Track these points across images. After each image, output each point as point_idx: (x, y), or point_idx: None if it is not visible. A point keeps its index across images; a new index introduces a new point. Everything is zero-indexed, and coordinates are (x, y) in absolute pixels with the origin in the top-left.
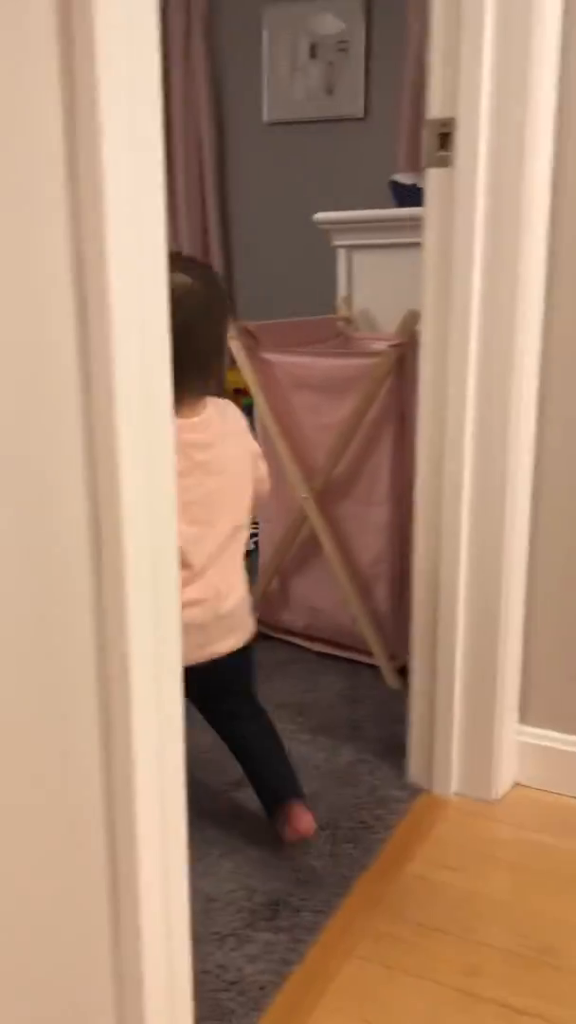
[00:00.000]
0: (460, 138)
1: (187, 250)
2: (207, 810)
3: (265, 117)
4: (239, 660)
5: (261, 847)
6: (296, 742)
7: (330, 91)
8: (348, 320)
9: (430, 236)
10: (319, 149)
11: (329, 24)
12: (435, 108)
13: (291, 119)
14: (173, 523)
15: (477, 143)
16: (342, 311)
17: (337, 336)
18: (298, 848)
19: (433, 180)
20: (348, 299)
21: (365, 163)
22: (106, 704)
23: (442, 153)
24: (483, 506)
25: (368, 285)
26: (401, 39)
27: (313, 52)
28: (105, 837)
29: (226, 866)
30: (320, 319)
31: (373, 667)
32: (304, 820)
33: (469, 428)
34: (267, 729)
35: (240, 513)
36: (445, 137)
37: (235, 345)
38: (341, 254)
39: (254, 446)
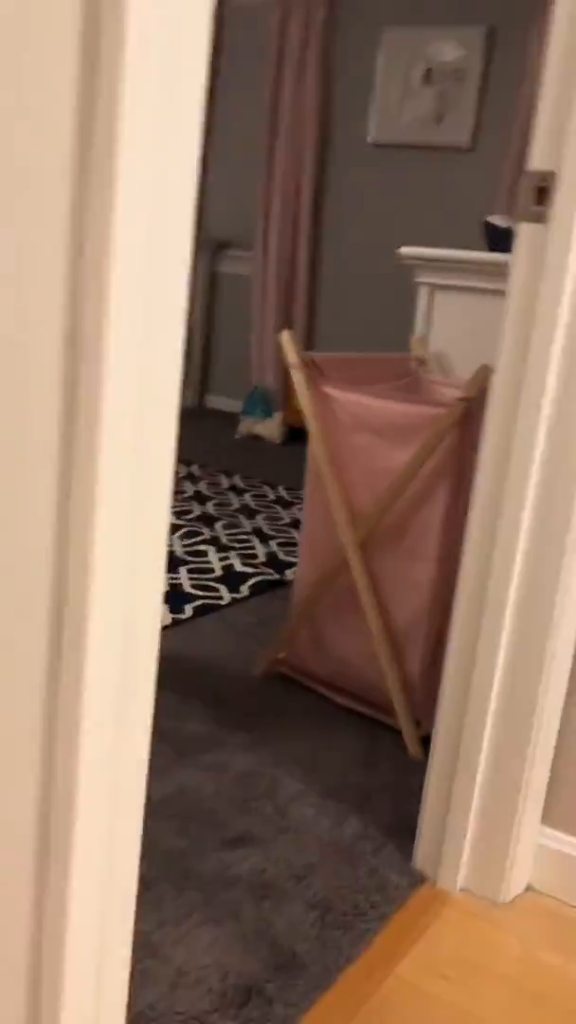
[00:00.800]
0: (560, 196)
1: (274, 257)
2: (194, 870)
3: (371, 138)
4: None
5: (245, 921)
6: (303, 805)
7: (439, 118)
8: (422, 361)
9: (514, 292)
10: (421, 175)
11: (447, 51)
12: (537, 159)
13: (397, 142)
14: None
15: None
16: (416, 351)
17: (408, 376)
18: (285, 925)
19: (525, 234)
20: (424, 339)
21: (466, 194)
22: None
23: (538, 208)
24: (534, 587)
25: (447, 327)
26: (519, 74)
27: (427, 78)
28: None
29: (204, 938)
30: (392, 356)
31: (396, 731)
32: None
33: (529, 501)
34: None
35: None
36: (543, 191)
37: (297, 376)
38: (422, 291)
39: None
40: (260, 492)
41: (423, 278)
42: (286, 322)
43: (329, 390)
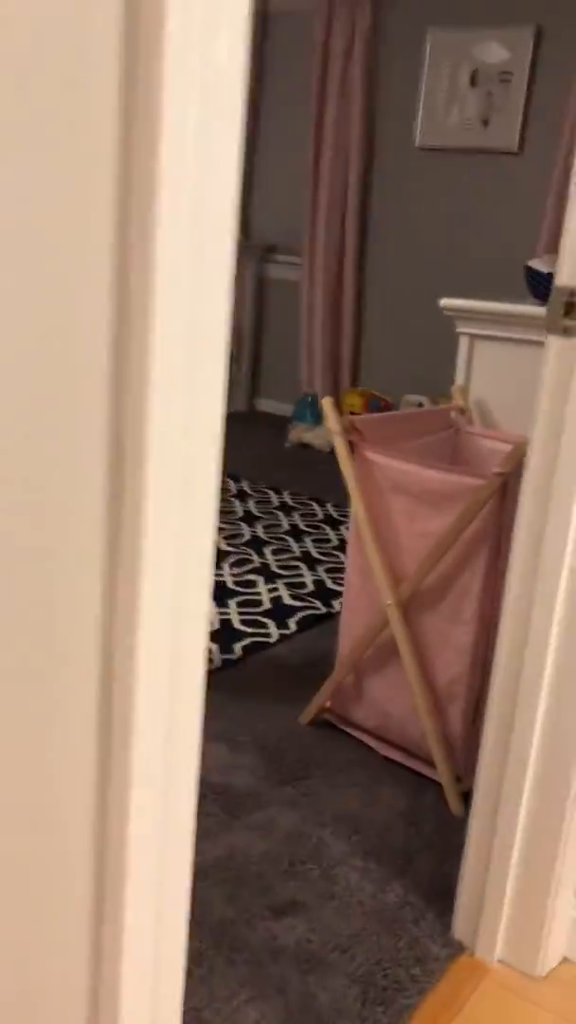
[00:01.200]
0: None
1: (320, 263)
2: (241, 941)
3: (417, 142)
4: None
5: (291, 995)
6: (348, 868)
7: (486, 121)
8: (462, 411)
9: (545, 398)
10: (469, 179)
11: (494, 53)
12: (565, 273)
13: (443, 146)
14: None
15: None
16: (457, 400)
17: (449, 428)
18: (328, 1000)
19: (553, 347)
20: (464, 389)
21: (516, 198)
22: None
23: (567, 322)
24: (568, 661)
25: (487, 376)
26: (567, 74)
27: (473, 80)
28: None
29: (251, 1015)
30: (432, 411)
31: (439, 784)
32: None
33: (564, 579)
34: None
35: None
36: (571, 306)
37: (338, 442)
38: (463, 341)
39: None
40: (309, 510)
41: (463, 328)
42: (333, 329)
43: (370, 454)
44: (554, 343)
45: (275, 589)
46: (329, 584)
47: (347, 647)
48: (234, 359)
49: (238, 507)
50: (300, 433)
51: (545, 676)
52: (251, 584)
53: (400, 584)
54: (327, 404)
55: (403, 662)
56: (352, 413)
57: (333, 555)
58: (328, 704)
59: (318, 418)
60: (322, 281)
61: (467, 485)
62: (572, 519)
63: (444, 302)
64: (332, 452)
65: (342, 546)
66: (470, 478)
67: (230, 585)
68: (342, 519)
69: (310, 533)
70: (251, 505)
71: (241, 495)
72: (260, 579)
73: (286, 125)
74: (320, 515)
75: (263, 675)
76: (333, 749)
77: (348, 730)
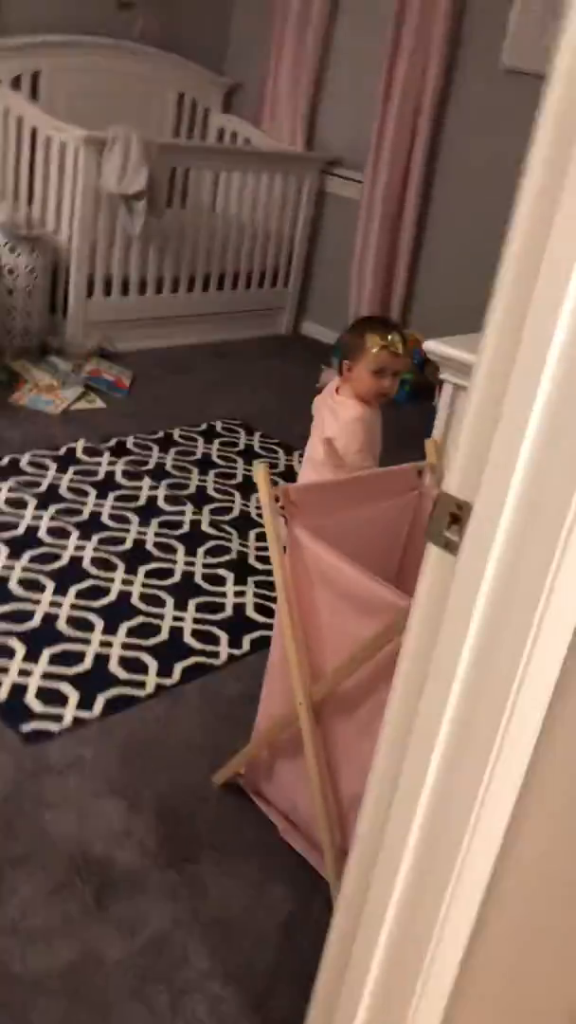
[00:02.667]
0: (471, 528)
1: (382, 183)
2: None
3: (504, 63)
4: None
5: None
6: (200, 996)
7: None
8: (433, 469)
9: (421, 596)
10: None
11: None
12: (453, 482)
13: (533, 71)
14: None
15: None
16: (429, 456)
17: (413, 490)
18: None
19: (432, 555)
20: (439, 445)
21: None
22: None
23: (449, 536)
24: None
25: None
26: None
27: None
28: None
29: None
30: (398, 470)
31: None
32: None
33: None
34: None
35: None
36: (456, 519)
37: (266, 514)
38: (446, 390)
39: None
40: None
41: (447, 375)
42: (388, 260)
43: (299, 534)
44: (433, 551)
45: (242, 593)
46: None
47: (264, 721)
48: (283, 279)
49: (239, 470)
50: (331, 377)
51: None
52: (219, 581)
53: (316, 682)
54: (260, 472)
55: (307, 765)
56: None
57: None
58: (242, 771)
59: None
60: (381, 205)
61: (389, 603)
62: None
63: (427, 346)
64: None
65: None
66: (394, 595)
67: (197, 579)
68: None
69: None
70: (254, 467)
71: (247, 452)
72: (230, 577)
73: (362, 29)
74: None
75: (194, 710)
76: (237, 824)
77: (259, 803)
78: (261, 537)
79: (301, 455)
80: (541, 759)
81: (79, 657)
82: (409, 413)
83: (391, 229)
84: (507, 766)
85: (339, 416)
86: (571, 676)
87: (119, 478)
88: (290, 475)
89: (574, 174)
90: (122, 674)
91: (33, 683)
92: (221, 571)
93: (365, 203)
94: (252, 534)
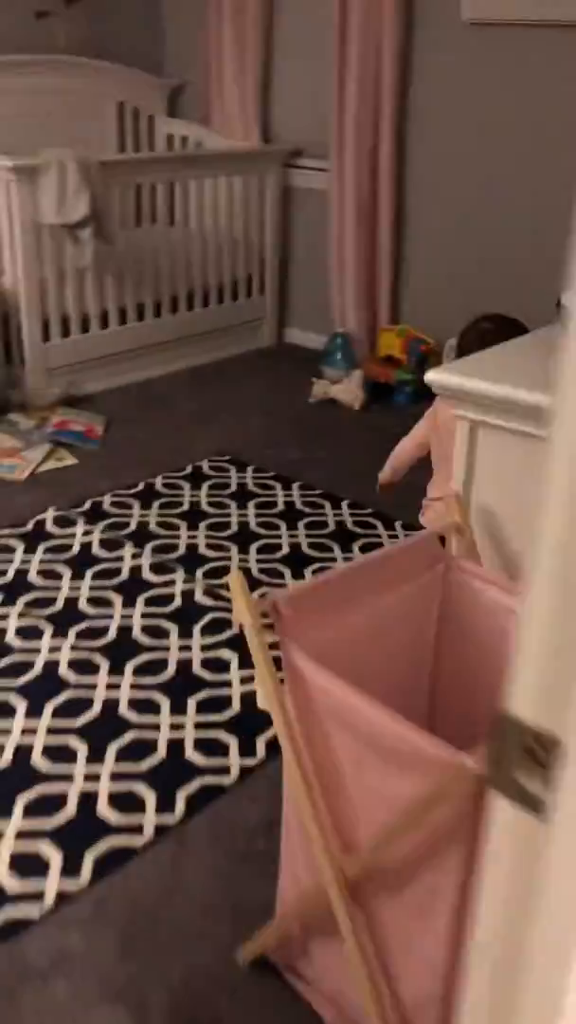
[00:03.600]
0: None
1: (351, 167)
2: None
3: (465, 14)
4: None
5: None
6: None
7: None
8: (460, 531)
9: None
10: (529, 61)
11: None
12: (525, 703)
13: (498, 19)
14: None
15: None
16: (452, 513)
17: (436, 563)
18: None
19: (503, 816)
20: (461, 499)
21: None
22: None
23: (527, 782)
24: None
25: (495, 476)
26: None
27: None
28: None
29: None
30: (411, 543)
31: None
32: None
33: None
34: None
35: None
36: (533, 753)
37: (250, 635)
38: (462, 428)
39: None
40: (318, 516)
41: (462, 409)
42: (368, 251)
43: (298, 658)
44: (502, 806)
45: (250, 679)
46: None
47: (288, 886)
48: (258, 287)
49: (233, 517)
50: (325, 388)
51: None
52: (221, 667)
53: (347, 852)
54: (235, 583)
55: (351, 961)
56: (389, 358)
57: None
58: (272, 946)
59: (352, 362)
60: (354, 189)
61: (429, 758)
62: None
63: (429, 376)
64: (364, 409)
65: None
66: (434, 747)
67: (195, 669)
68: (367, 536)
69: (316, 561)
70: (250, 511)
71: (241, 493)
72: (234, 658)
73: (304, 7)
74: (332, 526)
75: (205, 852)
76: (269, 1018)
77: (297, 985)
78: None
79: (301, 487)
80: None
81: (59, 802)
82: (417, 416)
83: (367, 217)
84: None
85: None
86: None
87: (96, 549)
88: (290, 513)
89: None
90: (113, 817)
91: (4, 849)
92: (223, 652)
93: (335, 191)
94: (255, 595)
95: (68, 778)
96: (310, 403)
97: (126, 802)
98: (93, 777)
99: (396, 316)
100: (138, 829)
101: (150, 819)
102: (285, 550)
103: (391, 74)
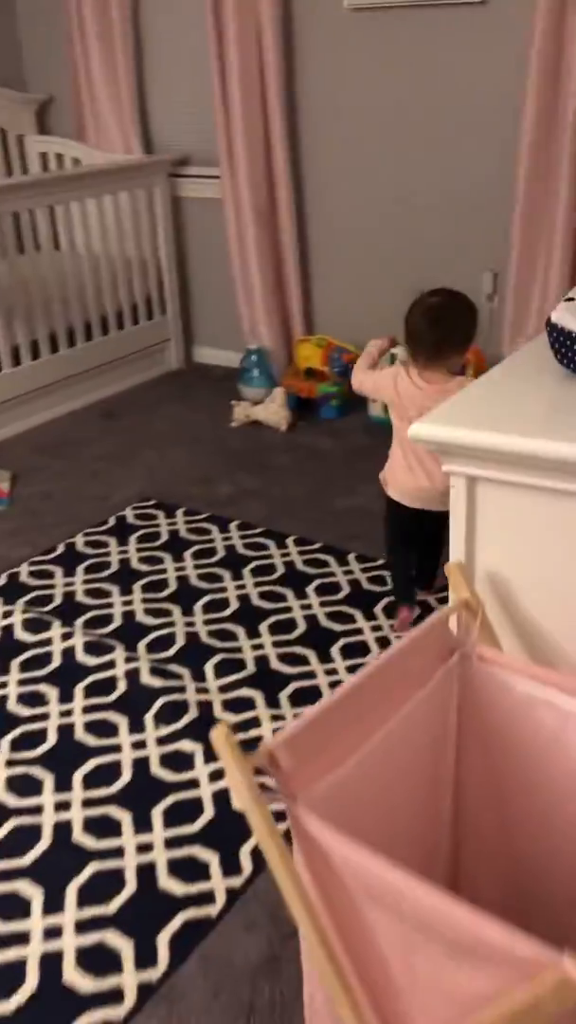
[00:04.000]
0: None
1: (244, 170)
2: None
3: (345, 3)
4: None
5: None
6: None
7: None
8: (470, 608)
9: None
10: (418, 43)
11: None
12: None
13: (382, 3)
14: None
15: None
16: (459, 591)
17: (449, 654)
18: None
19: None
20: (466, 566)
21: (483, 66)
22: None
23: None
24: None
25: (502, 536)
26: None
27: None
28: None
29: None
30: (420, 634)
31: None
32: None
33: None
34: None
35: None
36: None
37: (248, 794)
38: (458, 485)
39: None
40: (265, 559)
41: (453, 464)
42: (272, 258)
43: (307, 819)
44: None
45: (218, 774)
46: None
47: None
48: (159, 306)
49: (170, 572)
50: (247, 410)
51: None
52: (183, 763)
53: None
54: (219, 740)
55: None
56: (310, 371)
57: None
58: None
59: (271, 378)
60: (249, 195)
61: (508, 955)
62: None
63: (413, 433)
64: (291, 429)
65: (325, 652)
66: (516, 943)
67: (153, 770)
68: (321, 576)
69: (271, 614)
70: (187, 563)
71: (173, 543)
72: (197, 750)
73: (174, 4)
74: (281, 569)
75: (201, 1011)
76: None
77: None
78: (222, 668)
79: (240, 527)
80: None
81: (17, 975)
82: (348, 430)
83: (267, 217)
84: None
85: None
86: None
87: (20, 633)
88: (232, 559)
89: None
90: (84, 985)
91: None
92: (183, 744)
93: (230, 197)
94: (209, 666)
95: (22, 938)
96: (233, 428)
97: (96, 961)
98: (53, 933)
99: (310, 326)
100: (116, 995)
101: (129, 978)
102: (234, 605)
103: (275, 69)
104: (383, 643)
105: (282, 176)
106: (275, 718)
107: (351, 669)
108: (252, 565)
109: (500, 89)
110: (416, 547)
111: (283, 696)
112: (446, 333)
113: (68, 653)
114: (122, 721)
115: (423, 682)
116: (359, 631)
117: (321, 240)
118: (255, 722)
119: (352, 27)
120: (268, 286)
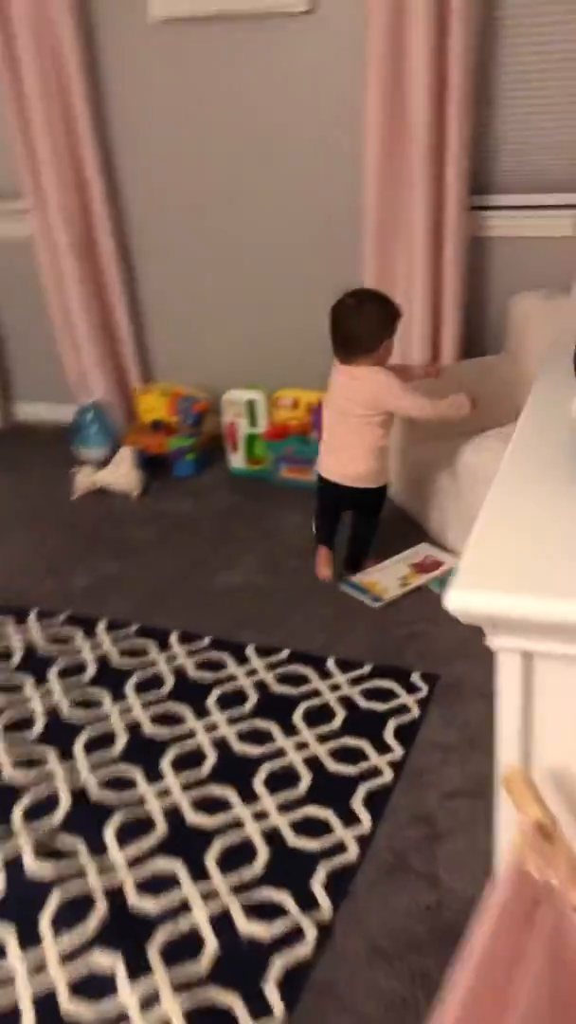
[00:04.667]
0: None
1: (56, 203)
2: None
3: (152, 15)
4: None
5: None
6: None
7: None
8: (545, 834)
9: None
10: (237, 55)
11: None
12: None
13: (192, 15)
14: None
15: None
16: (523, 804)
17: (530, 917)
18: None
19: None
20: (525, 774)
21: (318, 77)
22: None
23: None
24: None
25: (567, 722)
26: None
27: None
28: None
29: None
30: (498, 903)
31: None
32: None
33: None
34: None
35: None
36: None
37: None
38: (507, 663)
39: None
40: (144, 670)
41: (501, 639)
42: (96, 292)
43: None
44: None
45: None
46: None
47: None
48: None
49: (34, 701)
50: (90, 476)
51: None
52: (104, 989)
53: None
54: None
55: None
56: (157, 424)
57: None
58: None
59: (111, 435)
60: (64, 229)
61: None
62: None
63: (453, 607)
64: (145, 493)
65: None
66: None
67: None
68: (218, 682)
69: (171, 745)
70: (54, 687)
71: (31, 662)
72: (117, 961)
73: None
74: (170, 677)
75: None
76: None
77: None
78: (125, 832)
79: (109, 627)
80: None
81: None
82: (210, 487)
83: (87, 253)
84: None
85: (393, 386)
86: None
87: None
88: (108, 674)
89: None
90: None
91: None
92: (96, 959)
93: (41, 234)
94: (109, 832)
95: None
96: (76, 499)
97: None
98: None
99: (148, 373)
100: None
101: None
102: (122, 739)
103: (80, 87)
104: (312, 764)
105: (99, 204)
106: (207, 897)
107: (285, 807)
108: (134, 679)
109: (340, 101)
110: (336, 518)
111: (209, 861)
112: (348, 332)
113: None
114: (10, 935)
115: (516, 958)
116: (281, 752)
117: (152, 276)
118: (184, 907)
119: (162, 41)
120: (95, 329)
